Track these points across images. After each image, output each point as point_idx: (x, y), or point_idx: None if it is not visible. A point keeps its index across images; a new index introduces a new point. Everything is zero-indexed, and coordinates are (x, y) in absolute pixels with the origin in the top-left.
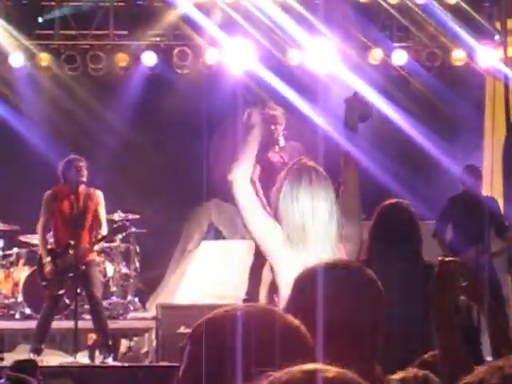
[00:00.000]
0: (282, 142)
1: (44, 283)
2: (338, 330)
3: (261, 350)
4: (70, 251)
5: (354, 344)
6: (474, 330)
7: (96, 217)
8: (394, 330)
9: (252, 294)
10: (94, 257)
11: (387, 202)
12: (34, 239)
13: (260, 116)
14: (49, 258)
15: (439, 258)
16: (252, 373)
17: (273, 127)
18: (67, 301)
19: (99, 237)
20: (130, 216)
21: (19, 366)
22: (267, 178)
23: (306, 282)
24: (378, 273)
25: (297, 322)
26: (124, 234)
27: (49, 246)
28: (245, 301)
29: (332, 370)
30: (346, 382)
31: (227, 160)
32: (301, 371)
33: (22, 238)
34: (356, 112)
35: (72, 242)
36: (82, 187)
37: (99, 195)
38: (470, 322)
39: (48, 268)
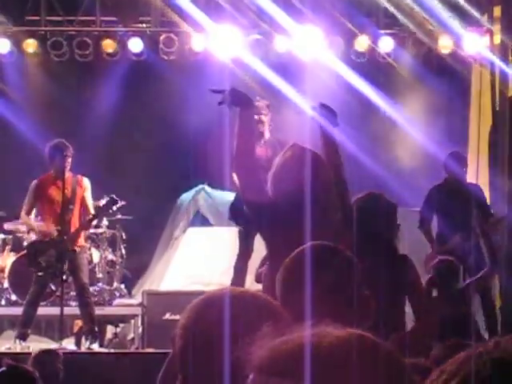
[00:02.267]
0: (267, 135)
1: (41, 273)
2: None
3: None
4: (58, 238)
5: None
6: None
7: (83, 203)
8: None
9: (237, 282)
10: (82, 243)
11: (361, 195)
12: (20, 226)
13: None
14: (42, 245)
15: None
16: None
17: (256, 117)
18: (53, 287)
19: (90, 217)
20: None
21: (40, 356)
22: None
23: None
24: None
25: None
26: (114, 209)
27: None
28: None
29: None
30: (359, 341)
31: (215, 147)
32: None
33: (7, 225)
34: (328, 117)
35: (59, 228)
36: (68, 174)
37: (86, 182)
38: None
39: (44, 255)
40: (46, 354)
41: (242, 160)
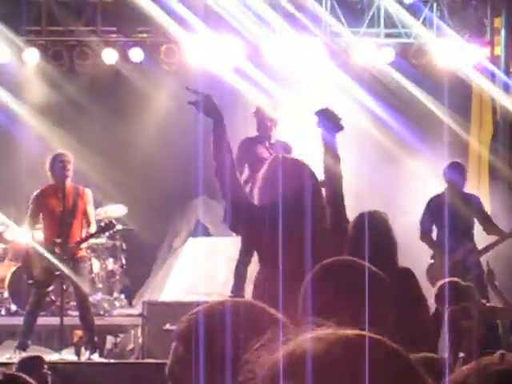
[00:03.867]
0: (272, 139)
1: (31, 281)
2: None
3: (243, 342)
4: (57, 249)
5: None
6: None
7: (85, 215)
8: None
9: (237, 291)
10: (83, 253)
11: (362, 213)
12: (20, 236)
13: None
14: (38, 255)
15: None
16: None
17: (269, 124)
18: (53, 297)
19: (87, 234)
20: (117, 213)
21: (24, 363)
22: (256, 172)
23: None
24: None
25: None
26: (111, 232)
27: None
28: (231, 293)
29: (383, 340)
30: (397, 354)
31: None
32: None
33: (8, 235)
34: (326, 125)
35: (59, 240)
36: (70, 185)
37: (88, 193)
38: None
39: (37, 264)
40: (29, 360)
41: (222, 175)
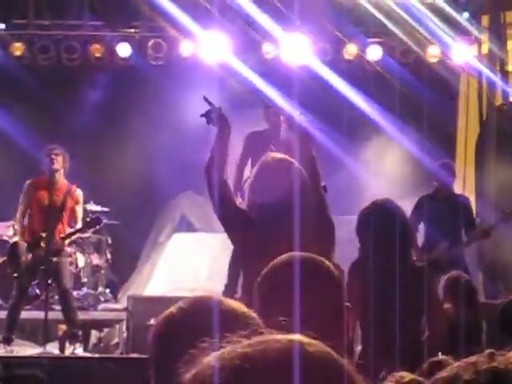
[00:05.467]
0: (281, 137)
1: (16, 275)
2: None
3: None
4: (42, 243)
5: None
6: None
7: (73, 214)
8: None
9: (231, 284)
10: (66, 248)
11: (375, 202)
12: (5, 229)
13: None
14: (24, 248)
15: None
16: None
17: (277, 120)
18: (38, 291)
19: (72, 230)
20: (102, 208)
21: None
22: None
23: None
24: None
25: (241, 307)
26: (97, 227)
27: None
28: (224, 292)
29: (313, 344)
30: (326, 359)
31: (201, 153)
32: (278, 341)
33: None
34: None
35: (44, 235)
36: (63, 182)
37: (79, 194)
38: None
39: (24, 257)
40: None
41: (214, 178)
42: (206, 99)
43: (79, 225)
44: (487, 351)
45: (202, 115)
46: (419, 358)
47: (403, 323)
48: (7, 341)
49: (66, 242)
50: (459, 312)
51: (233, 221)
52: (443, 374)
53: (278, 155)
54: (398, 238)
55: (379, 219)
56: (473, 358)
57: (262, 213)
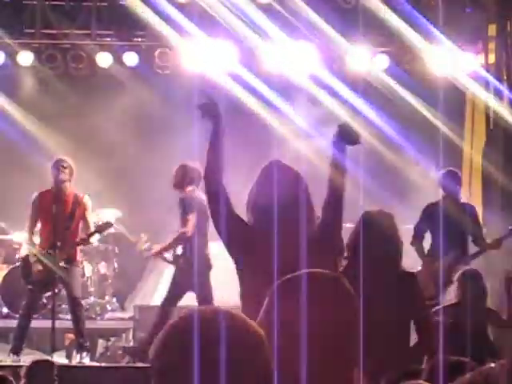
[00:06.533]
0: None
1: (30, 286)
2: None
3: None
4: (53, 253)
5: (333, 351)
6: None
7: (84, 221)
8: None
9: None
10: (78, 257)
11: (368, 211)
12: (14, 238)
13: None
14: (35, 258)
15: None
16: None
17: None
18: (45, 300)
19: (85, 235)
20: (111, 217)
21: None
22: None
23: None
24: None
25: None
26: (107, 233)
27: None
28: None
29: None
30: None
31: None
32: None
33: (1, 237)
34: (346, 138)
35: (55, 244)
36: (70, 191)
37: (87, 201)
38: None
39: (36, 268)
40: (39, 364)
41: (210, 181)
42: (203, 92)
43: (92, 228)
44: (499, 362)
45: (199, 107)
46: (407, 363)
47: (391, 329)
48: (17, 350)
49: (78, 249)
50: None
51: (228, 228)
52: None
53: (280, 161)
54: (386, 246)
55: (367, 229)
56: (484, 369)
57: (261, 217)
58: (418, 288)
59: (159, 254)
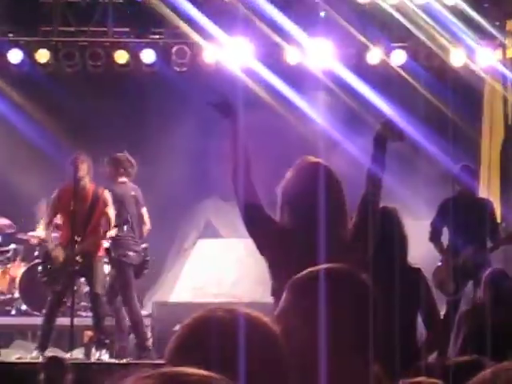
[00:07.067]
0: None
1: (44, 278)
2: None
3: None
4: (73, 249)
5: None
6: None
7: (104, 216)
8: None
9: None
10: (99, 253)
11: (385, 206)
12: (32, 236)
13: None
14: (57, 250)
15: None
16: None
17: None
18: (64, 298)
19: (104, 231)
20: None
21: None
22: None
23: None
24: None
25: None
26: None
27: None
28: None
29: (196, 373)
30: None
31: (227, 159)
32: (161, 373)
33: (20, 235)
34: (389, 135)
35: (75, 239)
36: (90, 186)
37: (107, 196)
38: None
39: (55, 263)
40: (52, 360)
41: (239, 179)
42: (218, 93)
43: (112, 224)
44: None
45: (214, 105)
46: (415, 359)
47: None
48: (42, 348)
49: (101, 243)
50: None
51: (259, 226)
52: (475, 380)
53: (313, 158)
54: (396, 241)
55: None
56: (505, 365)
57: (292, 217)
58: (425, 283)
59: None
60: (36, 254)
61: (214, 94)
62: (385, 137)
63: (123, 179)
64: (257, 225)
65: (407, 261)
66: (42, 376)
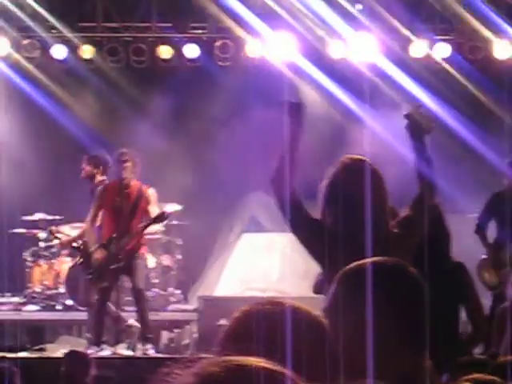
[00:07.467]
0: None
1: (89, 275)
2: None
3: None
4: (116, 245)
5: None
6: None
7: (147, 214)
8: None
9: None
10: (141, 250)
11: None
12: (76, 231)
13: None
14: (98, 252)
15: None
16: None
17: None
18: None
19: (139, 227)
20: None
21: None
22: None
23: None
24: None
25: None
26: (166, 223)
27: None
28: None
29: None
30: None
31: (272, 154)
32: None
33: (65, 229)
34: (417, 128)
35: (116, 236)
36: (135, 183)
37: (151, 194)
38: None
39: (96, 257)
40: (73, 354)
41: (283, 179)
42: (293, 97)
43: (148, 220)
44: None
45: (287, 103)
46: (458, 353)
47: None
48: (96, 343)
49: (144, 241)
50: None
51: (303, 227)
52: None
53: (357, 156)
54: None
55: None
56: None
57: (339, 216)
58: (468, 278)
59: (67, 244)
60: (74, 245)
61: (290, 97)
62: (414, 131)
63: (102, 177)
64: (300, 225)
65: (450, 256)
66: (62, 370)
